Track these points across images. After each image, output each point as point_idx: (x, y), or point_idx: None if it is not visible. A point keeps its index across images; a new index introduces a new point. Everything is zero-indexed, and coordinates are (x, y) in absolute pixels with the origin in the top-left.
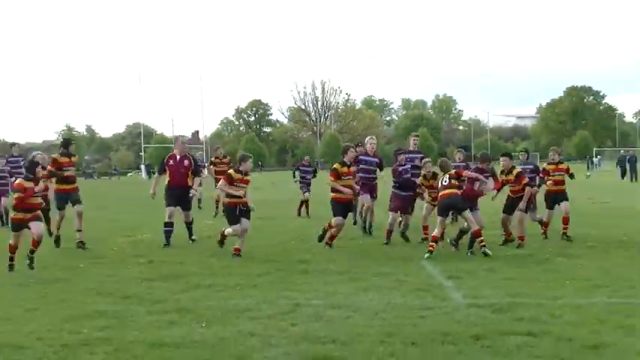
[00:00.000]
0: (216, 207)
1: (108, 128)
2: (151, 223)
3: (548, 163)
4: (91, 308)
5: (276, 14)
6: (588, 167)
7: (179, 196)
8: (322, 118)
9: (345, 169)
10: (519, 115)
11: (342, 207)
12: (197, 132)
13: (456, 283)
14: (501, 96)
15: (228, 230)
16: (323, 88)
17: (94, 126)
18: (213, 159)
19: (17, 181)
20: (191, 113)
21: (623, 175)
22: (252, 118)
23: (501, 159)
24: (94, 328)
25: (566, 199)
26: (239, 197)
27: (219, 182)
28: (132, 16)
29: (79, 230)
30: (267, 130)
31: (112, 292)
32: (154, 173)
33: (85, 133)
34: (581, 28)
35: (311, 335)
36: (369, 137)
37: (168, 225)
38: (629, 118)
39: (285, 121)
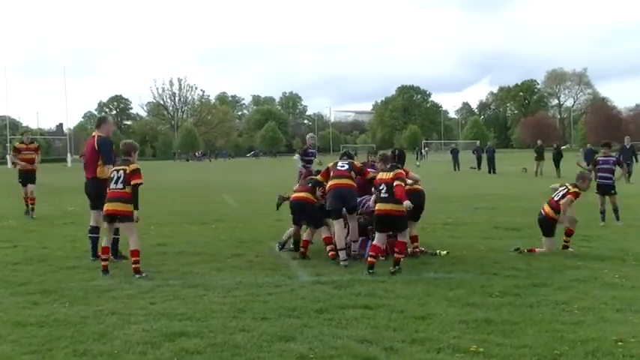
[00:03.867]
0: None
1: None
2: (16, 211)
3: None
4: None
5: (137, 13)
6: (417, 157)
7: None
8: (179, 112)
9: None
10: (358, 110)
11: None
12: (61, 125)
13: (301, 263)
14: (342, 94)
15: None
16: (180, 85)
17: None
18: (17, 144)
19: None
20: (55, 106)
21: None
22: (114, 112)
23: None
24: None
25: None
26: None
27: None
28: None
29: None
30: (128, 123)
31: None
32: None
33: None
34: (410, 35)
35: (168, 313)
36: None
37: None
38: (452, 114)
39: (144, 114)
